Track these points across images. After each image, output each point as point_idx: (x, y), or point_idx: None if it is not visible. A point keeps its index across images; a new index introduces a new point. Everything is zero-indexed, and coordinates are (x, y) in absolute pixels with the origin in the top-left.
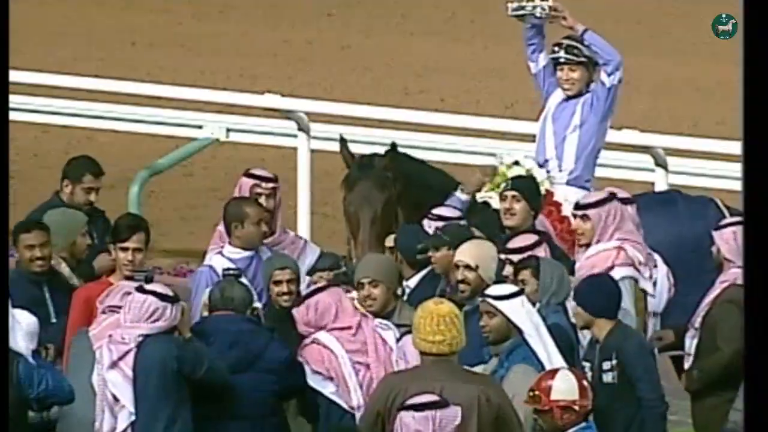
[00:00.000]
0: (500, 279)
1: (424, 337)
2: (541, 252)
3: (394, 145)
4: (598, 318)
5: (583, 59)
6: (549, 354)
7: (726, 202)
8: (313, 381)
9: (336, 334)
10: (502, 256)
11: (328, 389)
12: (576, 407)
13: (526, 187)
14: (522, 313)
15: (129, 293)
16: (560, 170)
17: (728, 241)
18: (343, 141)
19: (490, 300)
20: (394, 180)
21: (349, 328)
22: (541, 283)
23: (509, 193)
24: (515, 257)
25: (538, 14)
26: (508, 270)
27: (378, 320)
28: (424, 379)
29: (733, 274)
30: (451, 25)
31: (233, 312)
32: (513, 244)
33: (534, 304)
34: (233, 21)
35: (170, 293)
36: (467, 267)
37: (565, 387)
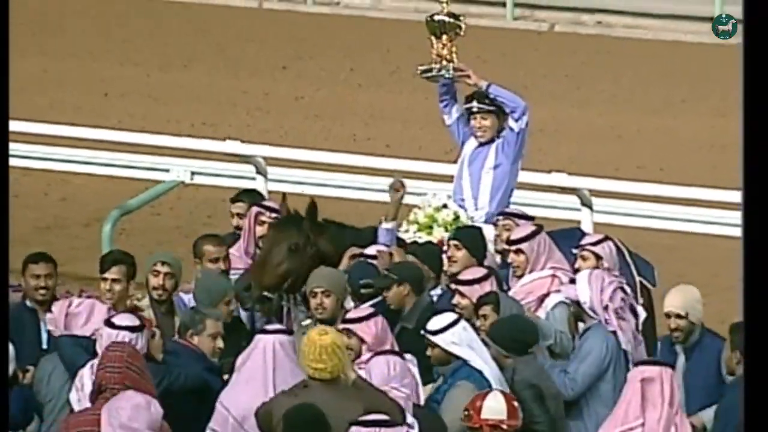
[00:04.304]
0: (449, 308)
1: (308, 364)
2: (488, 284)
3: (326, 220)
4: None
5: (493, 108)
6: (492, 370)
7: (644, 238)
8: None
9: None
10: (452, 286)
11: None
12: (504, 426)
13: (467, 236)
14: (457, 343)
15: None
16: (476, 209)
17: (610, 253)
18: (284, 197)
19: (427, 335)
20: (314, 243)
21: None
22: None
23: (452, 242)
24: (465, 289)
25: (446, 75)
26: (457, 299)
27: (408, 356)
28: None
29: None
30: (395, 78)
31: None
32: (464, 276)
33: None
34: (197, 73)
35: (137, 323)
36: (678, 316)
37: (494, 407)
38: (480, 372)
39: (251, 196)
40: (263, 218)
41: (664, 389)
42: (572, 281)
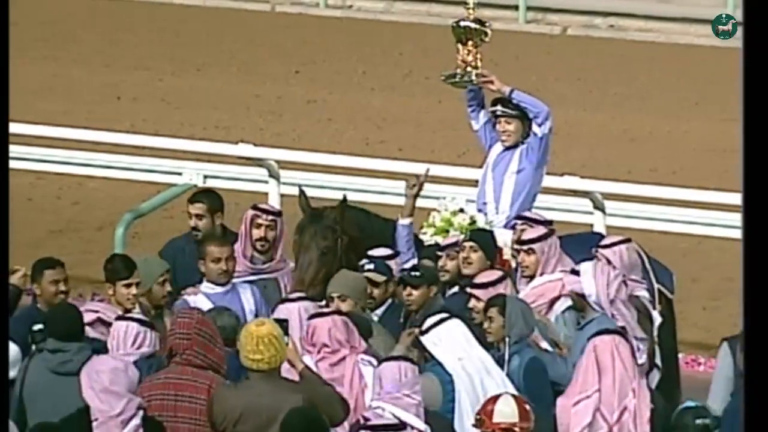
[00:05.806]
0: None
1: (246, 355)
2: (503, 287)
3: (344, 199)
4: None
5: (517, 112)
6: (484, 370)
7: (658, 242)
8: None
9: (320, 363)
10: (468, 290)
11: None
12: (516, 429)
13: (483, 239)
14: (437, 344)
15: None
16: (497, 213)
17: (620, 257)
18: (301, 191)
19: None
20: (342, 231)
21: (332, 355)
22: (507, 320)
23: (467, 244)
24: (480, 292)
25: (470, 80)
26: (473, 303)
27: (362, 356)
28: (253, 395)
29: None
30: (408, 82)
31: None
32: (479, 279)
33: (503, 339)
34: (209, 77)
35: (147, 319)
36: None
37: (506, 410)
38: (450, 376)
39: (210, 198)
40: (260, 221)
41: (615, 355)
42: (575, 272)
